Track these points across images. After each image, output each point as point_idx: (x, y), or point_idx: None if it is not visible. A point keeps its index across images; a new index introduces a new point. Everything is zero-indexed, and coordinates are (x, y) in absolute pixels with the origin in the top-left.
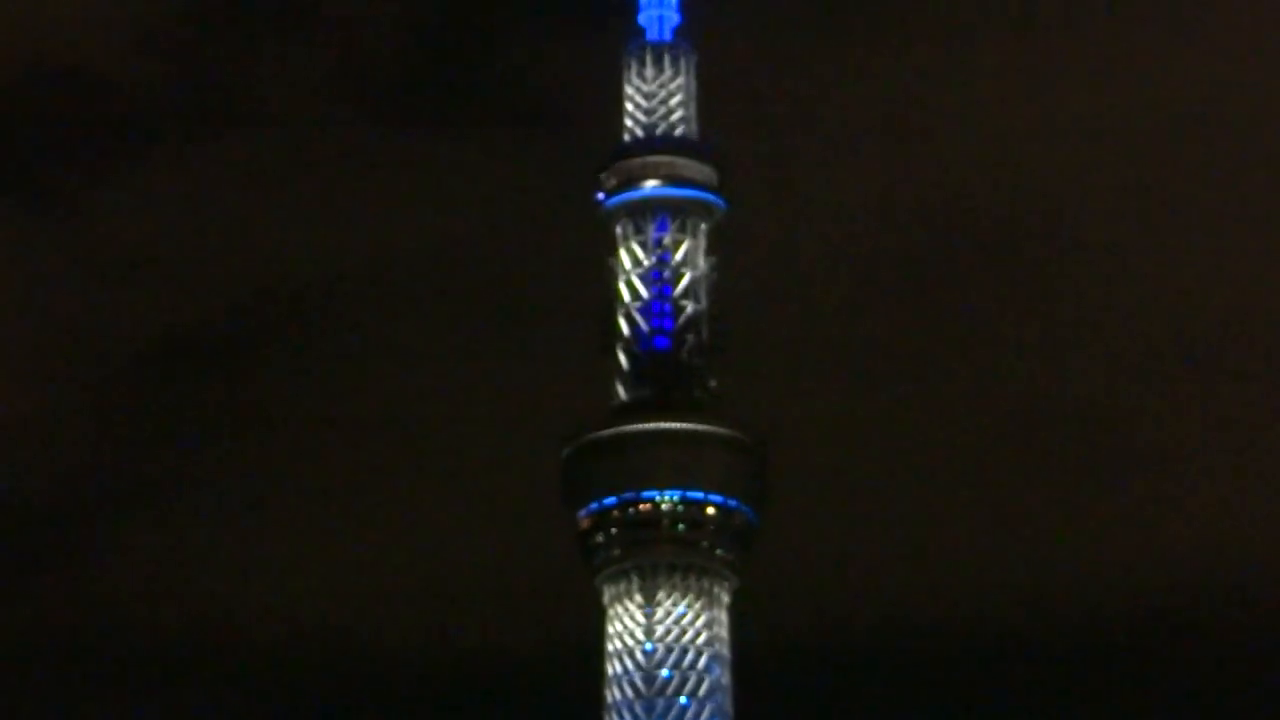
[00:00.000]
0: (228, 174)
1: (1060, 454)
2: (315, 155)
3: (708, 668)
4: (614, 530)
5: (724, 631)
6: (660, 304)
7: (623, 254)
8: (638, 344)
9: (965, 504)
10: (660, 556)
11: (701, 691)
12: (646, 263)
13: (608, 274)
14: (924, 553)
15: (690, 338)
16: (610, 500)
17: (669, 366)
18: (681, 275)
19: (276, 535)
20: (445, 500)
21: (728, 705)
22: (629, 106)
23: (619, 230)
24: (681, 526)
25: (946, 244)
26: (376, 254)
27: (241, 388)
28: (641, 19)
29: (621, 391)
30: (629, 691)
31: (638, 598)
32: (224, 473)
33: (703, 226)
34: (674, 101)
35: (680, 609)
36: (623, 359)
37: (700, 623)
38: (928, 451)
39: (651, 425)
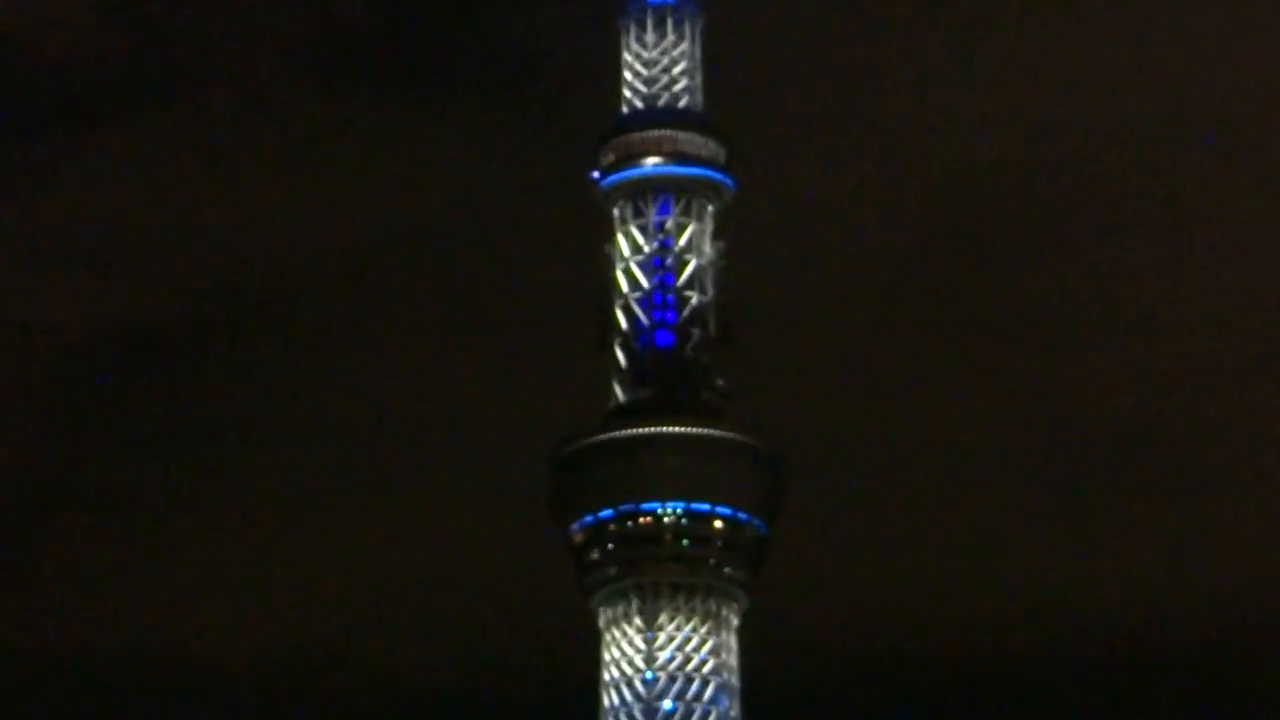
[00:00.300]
0: (187, 153)
1: (1102, 468)
2: (284, 132)
3: (714, 699)
4: (610, 546)
5: (732, 658)
6: (662, 294)
7: (620, 239)
8: (637, 339)
9: (995, 515)
10: (662, 575)
11: None
12: (647, 249)
13: (604, 261)
14: (951, 569)
15: (695, 332)
16: (606, 513)
17: (672, 364)
18: (686, 262)
19: (239, 550)
20: (424, 511)
21: None
22: (628, 76)
23: (617, 213)
24: (685, 542)
25: (977, 232)
26: (350, 240)
27: (200, 388)
28: None
29: (619, 392)
30: None
31: (637, 621)
32: (181, 481)
33: (709, 208)
34: (677, 70)
35: (684, 633)
36: (620, 356)
37: (706, 649)
38: (956, 459)
39: (652, 429)
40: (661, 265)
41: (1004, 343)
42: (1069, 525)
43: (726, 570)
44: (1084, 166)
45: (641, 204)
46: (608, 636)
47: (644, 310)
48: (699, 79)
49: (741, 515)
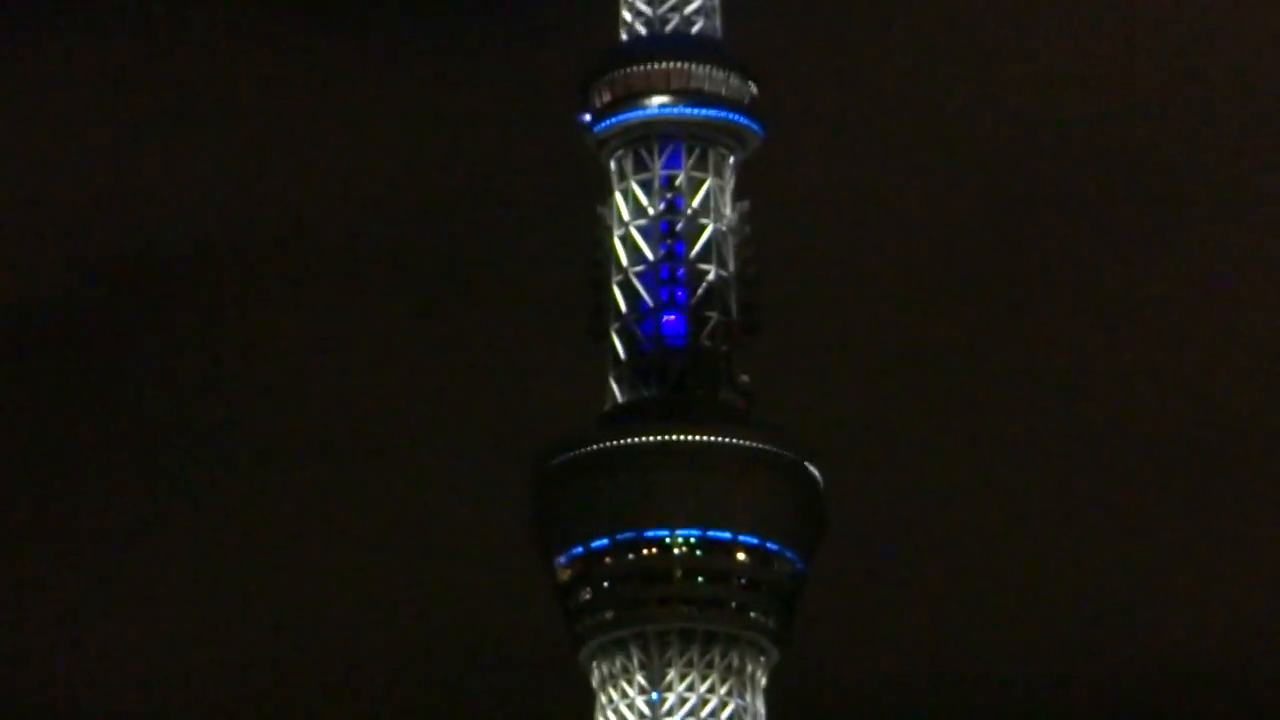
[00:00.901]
0: (82, 90)
1: (1204, 484)
2: (204, 67)
3: None
4: (606, 584)
5: None
6: (671, 268)
7: (619, 199)
8: (639, 324)
9: (1072, 543)
10: (671, 621)
11: None
12: (652, 211)
13: (598, 227)
14: (1024, 607)
15: (713, 316)
16: (600, 542)
17: (683, 355)
18: (701, 229)
19: (147, 588)
20: (377, 542)
21: None
22: None
23: (614, 166)
24: (700, 579)
25: (1054, 191)
26: (286, 203)
27: (107, 387)
28: None
29: (616, 390)
30: None
31: (639, 679)
32: (78, 500)
33: (730, 161)
34: None
35: (698, 695)
36: (618, 345)
37: (726, 714)
38: (1030, 475)
39: (658, 437)
40: (670, 232)
41: (1081, 335)
42: (1164, 561)
43: (752, 615)
44: (1162, 140)
45: (645, 155)
46: (603, 698)
47: (648, 288)
48: None
49: (771, 546)
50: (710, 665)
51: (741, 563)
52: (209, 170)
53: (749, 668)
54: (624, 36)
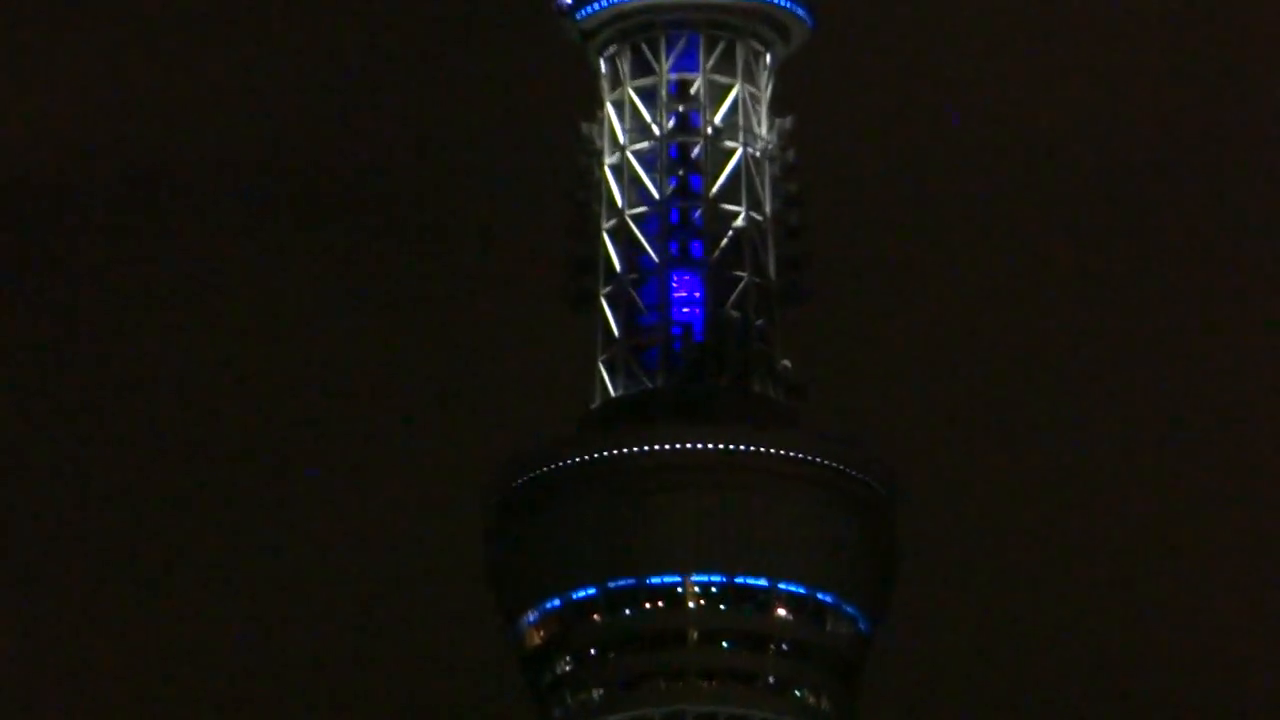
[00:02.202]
0: None
1: None
2: None
3: None
4: (593, 651)
5: None
6: (683, 210)
7: (612, 114)
8: (639, 288)
9: (1189, 577)
10: (683, 701)
11: None
12: (658, 130)
13: (583, 153)
14: (1153, 669)
15: (742, 277)
16: (585, 592)
17: (700, 332)
18: (726, 155)
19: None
20: (296, 583)
21: None
22: None
23: (605, 68)
24: (725, 644)
25: (1171, 139)
26: (199, 136)
27: None
28: None
29: (608, 379)
30: None
31: None
32: None
33: (767, 61)
34: None
35: None
36: (611, 317)
37: None
38: (1158, 493)
39: (666, 445)
40: (683, 159)
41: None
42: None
43: (797, 694)
44: None
45: (648, 52)
46: None
47: (652, 238)
48: None
49: (824, 597)
50: None
51: (782, 621)
52: (101, 94)
53: None
54: None
